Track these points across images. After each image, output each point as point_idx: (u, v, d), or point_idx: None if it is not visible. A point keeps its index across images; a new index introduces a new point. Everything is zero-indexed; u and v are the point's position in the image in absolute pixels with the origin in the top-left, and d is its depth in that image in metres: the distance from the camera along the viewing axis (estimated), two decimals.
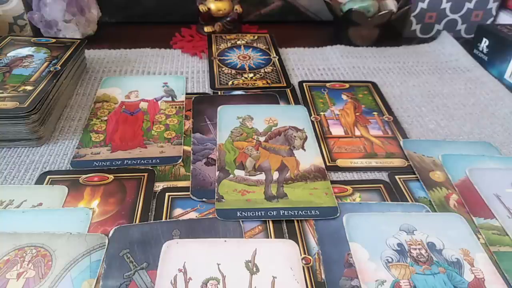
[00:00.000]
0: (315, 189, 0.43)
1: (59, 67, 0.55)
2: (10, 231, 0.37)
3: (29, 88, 0.50)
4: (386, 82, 0.64)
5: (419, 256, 0.37)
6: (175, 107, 0.56)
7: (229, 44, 0.72)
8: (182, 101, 0.57)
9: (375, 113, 0.56)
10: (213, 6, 0.73)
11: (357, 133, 0.52)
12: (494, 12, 0.79)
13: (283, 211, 0.40)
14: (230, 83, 0.62)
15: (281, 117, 0.53)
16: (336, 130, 0.53)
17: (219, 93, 0.60)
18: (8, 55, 0.58)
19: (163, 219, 0.40)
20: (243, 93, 0.60)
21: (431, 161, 0.48)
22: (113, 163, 0.46)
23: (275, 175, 0.45)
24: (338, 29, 0.77)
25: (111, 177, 0.44)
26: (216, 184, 0.43)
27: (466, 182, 0.45)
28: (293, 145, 0.49)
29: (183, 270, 0.35)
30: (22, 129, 0.47)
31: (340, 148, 0.50)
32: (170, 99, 0.58)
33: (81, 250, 0.36)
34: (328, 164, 0.47)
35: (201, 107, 0.56)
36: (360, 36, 0.74)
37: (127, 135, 0.51)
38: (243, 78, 0.63)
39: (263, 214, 0.40)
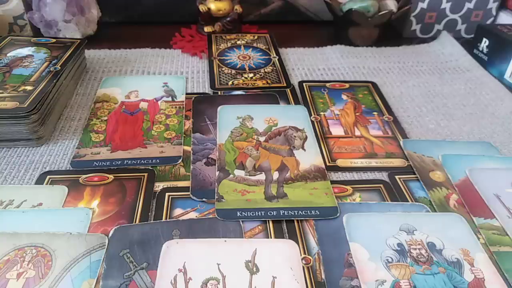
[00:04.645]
0: (315, 189, 0.43)
1: (59, 67, 0.55)
2: (10, 231, 0.37)
3: (29, 88, 0.50)
4: (386, 82, 0.64)
5: (419, 256, 0.37)
6: (175, 107, 0.56)
7: (229, 44, 0.72)
8: (182, 101, 0.57)
9: (375, 113, 0.56)
10: (213, 6, 0.73)
11: (357, 133, 0.52)
12: (494, 12, 0.79)
13: (283, 211, 0.40)
14: (230, 83, 0.62)
15: (281, 117, 0.53)
16: (336, 130, 0.53)
17: (219, 93, 0.60)
18: (8, 55, 0.58)
19: (163, 219, 0.40)
20: (243, 93, 0.60)
21: (431, 161, 0.48)
22: (113, 163, 0.46)
23: (275, 175, 0.45)
24: (338, 29, 0.77)
25: (111, 177, 0.44)
26: (216, 184, 0.43)
27: (466, 182, 0.45)
28: (293, 145, 0.49)
29: (183, 270, 0.35)
30: (22, 129, 0.47)
31: (340, 148, 0.50)
32: (170, 99, 0.58)
33: (81, 250, 0.36)
34: (328, 164, 0.47)
35: (201, 107, 0.56)
36: (360, 36, 0.74)
37: (127, 135, 0.51)
38: (243, 78, 0.63)
39: (263, 214, 0.40)
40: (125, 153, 0.48)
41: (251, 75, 0.64)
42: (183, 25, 0.79)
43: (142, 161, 0.47)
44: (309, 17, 0.86)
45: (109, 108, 0.55)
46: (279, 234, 0.39)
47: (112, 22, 0.82)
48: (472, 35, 0.76)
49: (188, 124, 0.53)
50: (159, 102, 0.57)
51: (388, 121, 0.55)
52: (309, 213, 0.40)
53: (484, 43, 0.71)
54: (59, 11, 0.68)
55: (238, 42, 0.72)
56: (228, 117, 0.53)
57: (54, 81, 0.52)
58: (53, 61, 0.57)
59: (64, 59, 0.57)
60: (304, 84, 0.62)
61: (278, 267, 0.35)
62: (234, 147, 0.48)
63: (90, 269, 0.35)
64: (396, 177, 0.46)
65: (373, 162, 0.48)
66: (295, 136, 0.50)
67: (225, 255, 0.36)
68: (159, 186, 0.44)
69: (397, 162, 0.48)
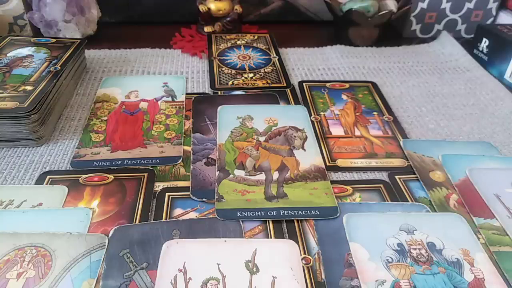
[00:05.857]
0: (315, 189, 0.43)
1: (59, 67, 0.55)
2: (10, 231, 0.37)
3: (29, 88, 0.50)
4: (386, 82, 0.64)
5: (419, 256, 0.37)
6: (175, 107, 0.56)
7: (229, 44, 0.72)
8: (182, 101, 0.57)
9: (375, 113, 0.56)
10: (213, 6, 0.73)
11: (357, 133, 0.52)
12: (494, 12, 0.79)
13: (283, 211, 0.40)
14: (230, 83, 0.62)
15: (281, 117, 0.53)
16: (336, 130, 0.53)
17: (219, 93, 0.60)
18: (8, 55, 0.58)
19: (163, 219, 0.40)
20: (243, 93, 0.60)
21: (431, 161, 0.48)
22: (113, 163, 0.46)
23: (275, 175, 0.45)
24: (338, 29, 0.77)
25: (111, 177, 0.44)
26: (216, 184, 0.43)
27: (466, 182, 0.45)
28: (293, 145, 0.49)
29: (183, 270, 0.35)
30: (22, 129, 0.47)
31: (340, 148, 0.50)
32: (170, 99, 0.58)
33: (81, 250, 0.36)
34: (328, 164, 0.47)
35: (201, 107, 0.56)
36: (360, 36, 0.74)
37: (127, 135, 0.51)
38: (243, 78, 0.63)
39: (263, 214, 0.40)
40: (125, 153, 0.48)
41: (251, 75, 0.64)
42: (183, 25, 0.79)
43: (142, 161, 0.47)
44: (309, 17, 0.86)
45: (109, 108, 0.55)
46: (279, 234, 0.39)
47: (112, 22, 0.82)
48: (472, 35, 0.76)
49: (188, 124, 0.53)
50: (159, 102, 0.57)
51: (388, 121, 0.55)
52: (309, 213, 0.40)
53: (484, 43, 0.71)
54: (59, 11, 0.68)
55: (238, 42, 0.72)
56: (228, 117, 0.53)
57: (54, 81, 0.52)
58: (53, 61, 0.57)
59: (64, 59, 0.57)
60: (304, 84, 0.62)
61: (278, 267, 0.35)
62: (234, 147, 0.48)
63: (90, 269, 0.35)
64: (396, 177, 0.46)
65: (373, 162, 0.48)
66: (295, 136, 0.50)
67: (225, 255, 0.36)
68: (159, 186, 0.44)
69: (397, 162, 0.48)
